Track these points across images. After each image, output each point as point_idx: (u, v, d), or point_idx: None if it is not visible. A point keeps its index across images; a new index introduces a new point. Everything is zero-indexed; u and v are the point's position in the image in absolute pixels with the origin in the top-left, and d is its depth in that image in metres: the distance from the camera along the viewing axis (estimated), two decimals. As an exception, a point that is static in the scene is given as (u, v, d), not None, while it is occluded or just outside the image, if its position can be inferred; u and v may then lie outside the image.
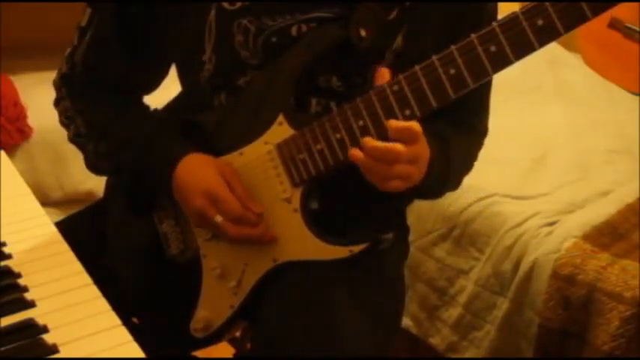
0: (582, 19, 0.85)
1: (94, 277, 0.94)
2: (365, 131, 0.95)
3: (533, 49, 0.87)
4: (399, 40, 1.02)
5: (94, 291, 0.91)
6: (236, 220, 1.00)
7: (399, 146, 0.91)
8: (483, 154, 1.20)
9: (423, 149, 0.96)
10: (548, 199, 1.81)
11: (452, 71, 0.90)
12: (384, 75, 0.95)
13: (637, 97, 2.45)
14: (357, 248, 0.99)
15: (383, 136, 0.93)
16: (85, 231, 1.19)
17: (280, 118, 1.02)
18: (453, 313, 1.81)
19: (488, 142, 1.20)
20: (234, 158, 1.05)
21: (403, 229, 1.23)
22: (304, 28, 1.01)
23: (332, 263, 1.01)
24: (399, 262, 1.20)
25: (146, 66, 1.14)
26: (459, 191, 1.22)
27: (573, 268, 1.58)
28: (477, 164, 1.20)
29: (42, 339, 0.82)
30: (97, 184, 2.00)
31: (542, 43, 0.87)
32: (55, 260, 0.98)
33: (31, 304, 0.88)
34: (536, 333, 1.61)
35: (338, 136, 0.97)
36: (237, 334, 1.38)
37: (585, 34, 2.61)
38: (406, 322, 1.88)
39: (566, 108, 2.32)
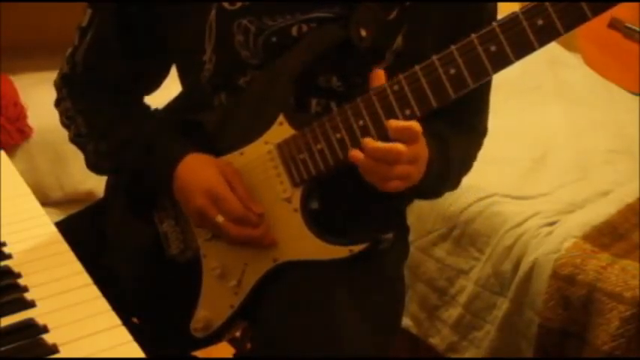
0: (582, 19, 0.85)
1: (94, 277, 0.94)
2: (365, 131, 0.95)
3: (533, 49, 0.87)
4: (399, 40, 1.02)
5: (94, 291, 0.91)
6: (237, 220, 1.00)
7: (400, 146, 0.91)
8: (483, 154, 1.20)
9: (422, 149, 0.96)
10: (548, 199, 1.81)
11: (452, 71, 0.90)
12: (379, 76, 0.95)
13: (637, 97, 2.45)
14: (357, 248, 0.99)
15: (383, 135, 0.93)
16: (85, 231, 1.19)
17: (281, 118, 1.02)
18: (453, 313, 1.81)
19: (488, 142, 1.20)
20: (234, 158, 1.05)
21: (403, 229, 1.23)
22: (304, 28, 1.01)
23: (332, 263, 1.01)
24: (399, 262, 1.20)
25: (147, 66, 1.14)
26: (458, 191, 1.22)
27: (573, 268, 1.58)
28: (477, 164, 1.20)
29: (42, 339, 0.82)
30: (97, 184, 2.01)
31: (542, 43, 0.87)
32: (55, 260, 0.98)
33: (31, 304, 0.88)
34: (536, 333, 1.61)
35: (338, 135, 0.97)
36: (237, 334, 1.38)
37: (585, 34, 2.61)
38: (406, 322, 1.88)
39: (566, 108, 2.32)
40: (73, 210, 1.27)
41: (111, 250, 1.17)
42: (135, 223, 1.16)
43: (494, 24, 0.88)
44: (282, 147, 1.01)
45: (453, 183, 1.16)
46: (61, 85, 1.14)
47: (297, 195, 1.02)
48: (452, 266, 1.82)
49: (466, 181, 1.19)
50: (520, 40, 0.87)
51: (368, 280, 1.08)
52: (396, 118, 0.93)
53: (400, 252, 1.21)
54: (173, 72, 1.16)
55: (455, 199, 1.81)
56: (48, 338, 0.82)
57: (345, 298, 1.04)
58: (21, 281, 0.92)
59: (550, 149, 2.06)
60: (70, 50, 1.12)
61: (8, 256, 0.98)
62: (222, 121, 1.07)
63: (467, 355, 1.78)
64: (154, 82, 1.18)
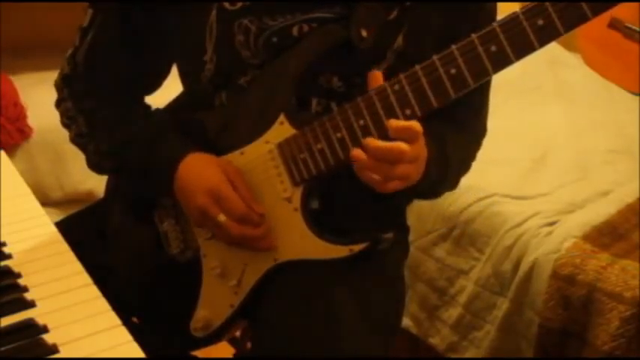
0: (582, 19, 0.85)
1: (94, 277, 0.94)
2: (366, 130, 0.95)
3: (534, 49, 0.87)
4: (399, 40, 1.02)
5: (94, 291, 0.91)
6: (239, 219, 1.00)
7: (403, 145, 0.91)
8: (483, 154, 1.20)
9: (421, 148, 0.97)
10: (548, 199, 1.81)
11: (452, 71, 0.90)
12: (377, 77, 0.95)
13: (637, 97, 2.45)
14: (357, 247, 0.99)
15: (383, 135, 0.93)
16: (85, 231, 1.19)
17: (281, 117, 1.02)
18: (453, 313, 1.81)
19: (488, 142, 1.20)
20: (235, 157, 1.05)
21: (403, 229, 1.23)
22: (305, 28, 1.01)
23: (332, 263, 1.01)
24: (399, 262, 1.20)
25: (147, 66, 1.14)
26: (458, 191, 1.22)
27: (573, 268, 1.58)
28: (477, 164, 1.20)
29: (42, 339, 0.82)
30: (97, 184, 2.01)
31: (543, 43, 0.87)
32: (55, 260, 0.98)
33: (31, 304, 0.88)
34: (536, 333, 1.61)
35: (339, 135, 0.97)
36: (237, 333, 1.38)
37: (585, 34, 2.61)
38: (406, 322, 1.88)
39: (566, 108, 2.32)
40: (73, 210, 1.27)
41: (111, 250, 1.17)
42: (135, 222, 1.16)
43: (495, 24, 0.88)
44: (283, 146, 1.01)
45: (452, 183, 1.16)
46: (61, 85, 1.14)
47: (297, 194, 1.02)
48: (452, 266, 1.82)
49: (466, 181, 1.19)
50: (520, 40, 0.87)
51: (368, 279, 1.08)
52: (397, 117, 0.93)
53: (400, 252, 1.21)
54: (174, 72, 1.16)
55: (455, 199, 1.81)
56: (48, 338, 0.82)
57: (345, 298, 1.04)
58: (21, 281, 0.92)
59: (550, 149, 2.06)
60: (70, 51, 1.12)
61: (8, 256, 0.98)
62: (223, 121, 1.07)
63: (467, 355, 1.78)
64: (155, 82, 1.18)
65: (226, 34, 1.02)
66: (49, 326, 0.84)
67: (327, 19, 1.00)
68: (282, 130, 1.02)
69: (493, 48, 0.88)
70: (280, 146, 1.02)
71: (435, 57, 0.91)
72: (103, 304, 0.88)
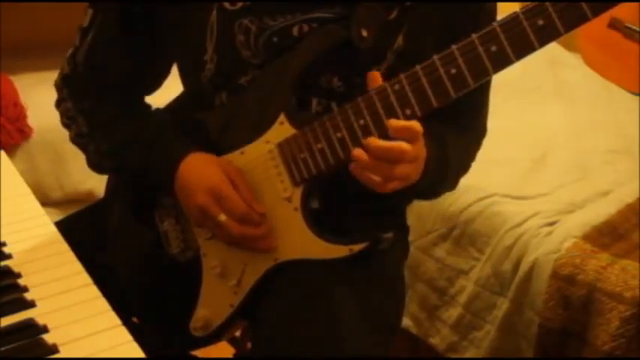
0: (582, 19, 0.85)
1: (94, 277, 0.94)
2: (366, 130, 0.95)
3: (534, 49, 0.87)
4: (399, 40, 1.02)
5: (94, 291, 0.91)
6: (240, 218, 1.00)
7: (404, 145, 0.91)
8: (483, 154, 1.20)
9: (421, 148, 0.97)
10: (548, 199, 1.81)
11: (453, 71, 0.90)
12: (376, 78, 0.95)
13: (637, 97, 2.45)
14: (357, 247, 0.99)
15: (384, 135, 0.93)
16: (85, 231, 1.19)
17: (281, 117, 1.02)
18: (453, 313, 1.81)
19: (489, 142, 1.20)
20: (235, 157, 1.05)
21: (403, 229, 1.23)
22: (305, 28, 1.01)
23: (332, 262, 1.01)
24: (399, 262, 1.20)
25: (148, 66, 1.14)
26: (458, 191, 1.22)
27: (573, 268, 1.58)
28: (477, 164, 1.20)
29: (42, 339, 0.82)
30: (97, 184, 2.01)
31: (543, 43, 0.87)
32: (55, 260, 0.98)
33: (31, 304, 0.88)
34: (536, 333, 1.61)
35: (339, 135, 0.97)
36: (237, 333, 1.38)
37: (585, 34, 2.61)
38: (406, 322, 1.88)
39: (566, 108, 2.32)
40: (73, 210, 1.27)
41: (111, 250, 1.17)
42: (135, 222, 1.16)
43: (495, 24, 0.88)
44: (283, 146, 1.01)
45: (451, 183, 1.16)
46: (61, 85, 1.14)
47: (297, 194, 1.02)
48: (452, 266, 1.82)
49: (466, 181, 1.19)
50: (520, 40, 0.87)
51: (368, 279, 1.08)
52: (397, 117, 0.93)
53: (400, 252, 1.21)
54: (174, 71, 1.16)
55: (455, 199, 1.81)
56: (48, 338, 0.82)
57: (345, 298, 1.04)
58: (21, 281, 0.92)
59: (550, 149, 2.06)
60: (71, 51, 1.12)
61: (8, 256, 0.98)
62: (223, 121, 1.07)
63: (467, 355, 1.78)
64: (155, 81, 1.18)
65: (227, 34, 1.02)
66: (49, 326, 0.84)
67: (327, 19, 1.00)
68: (282, 129, 1.02)
69: (493, 48, 0.88)
70: (280, 146, 1.02)
71: (435, 57, 0.91)
72: (103, 304, 0.88)
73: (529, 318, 1.64)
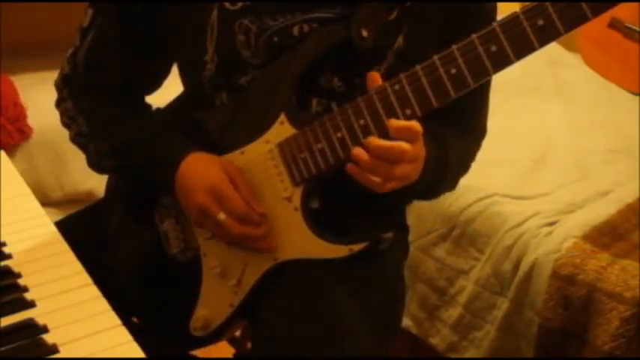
0: (582, 19, 0.85)
1: (94, 277, 0.94)
2: (366, 130, 0.95)
3: (534, 49, 0.87)
4: (400, 40, 1.02)
5: (94, 291, 0.91)
6: (240, 218, 1.00)
7: (404, 145, 0.91)
8: (483, 154, 1.20)
9: (420, 148, 0.97)
10: (548, 199, 1.81)
11: (453, 71, 0.90)
12: (375, 79, 0.95)
13: (637, 97, 2.45)
14: (356, 247, 0.99)
15: (384, 135, 0.93)
16: (85, 231, 1.19)
17: (282, 117, 1.02)
18: (453, 313, 1.81)
19: (489, 142, 1.20)
20: (235, 157, 1.05)
21: (403, 229, 1.23)
22: (306, 28, 1.01)
23: (332, 262, 1.01)
24: (399, 262, 1.20)
25: (148, 66, 1.14)
26: (458, 191, 1.22)
27: (573, 268, 1.58)
28: (477, 164, 1.20)
29: (42, 339, 0.82)
30: (97, 184, 2.01)
31: (543, 43, 0.87)
32: (55, 260, 0.98)
33: (31, 304, 0.88)
34: (536, 333, 1.61)
35: (339, 135, 0.97)
36: (237, 333, 1.38)
37: (585, 34, 2.61)
38: (406, 322, 1.88)
39: (566, 108, 2.32)
40: (73, 210, 1.27)
41: (111, 250, 1.17)
42: (135, 222, 1.16)
43: (495, 24, 0.88)
44: (283, 146, 1.01)
45: (451, 183, 1.16)
46: (61, 85, 1.14)
47: (297, 194, 1.02)
48: (452, 266, 1.82)
49: (466, 181, 1.19)
50: (520, 40, 0.87)
51: (368, 279, 1.08)
52: (397, 117, 0.93)
53: (400, 252, 1.21)
54: (174, 71, 1.16)
55: (455, 199, 1.81)
56: (48, 338, 0.82)
57: (345, 298, 1.04)
58: (21, 281, 0.92)
59: (550, 149, 2.06)
60: (71, 50, 1.12)
61: (8, 256, 0.98)
62: (224, 121, 1.07)
63: (467, 355, 1.78)
64: (155, 81, 1.18)
65: (227, 34, 1.02)
66: (49, 326, 0.84)
67: (327, 19, 1.00)
68: (282, 129, 1.02)
69: (493, 48, 0.88)
70: (280, 146, 1.02)
71: (435, 57, 0.91)
72: (103, 304, 0.88)
73: (529, 318, 1.64)
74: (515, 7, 0.88)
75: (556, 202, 1.79)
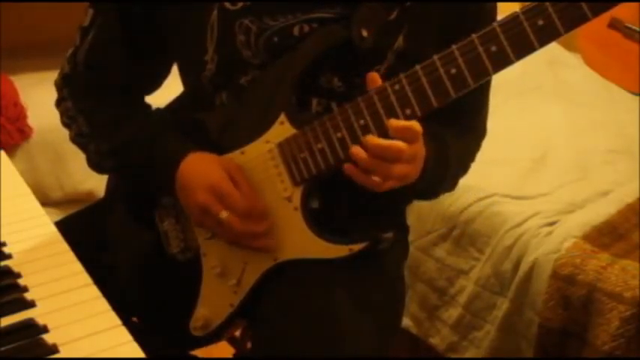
0: (582, 19, 0.85)
1: (94, 277, 0.94)
2: (366, 130, 0.95)
3: (534, 49, 0.87)
4: (400, 40, 1.02)
5: (94, 291, 0.91)
6: (242, 215, 1.00)
7: (401, 144, 0.91)
8: (483, 154, 1.20)
9: (420, 148, 0.97)
10: (548, 199, 1.81)
11: (453, 71, 0.90)
12: (374, 79, 0.95)
13: (637, 97, 2.45)
14: (357, 247, 0.99)
15: (384, 135, 0.93)
16: (85, 231, 1.19)
17: (282, 117, 1.02)
18: (453, 313, 1.81)
19: (488, 142, 1.20)
20: (235, 157, 1.05)
21: (403, 229, 1.23)
22: (306, 28, 1.01)
23: (332, 262, 1.01)
24: (399, 262, 1.20)
25: (148, 66, 1.14)
26: (458, 191, 1.22)
27: (573, 268, 1.58)
28: (476, 164, 1.20)
29: (42, 339, 0.82)
30: (97, 184, 2.01)
31: (543, 43, 0.87)
32: (55, 260, 0.98)
33: (31, 304, 0.88)
34: (536, 333, 1.61)
35: (339, 135, 0.97)
36: (237, 333, 1.38)
37: (585, 34, 2.61)
38: (406, 322, 1.88)
39: (566, 108, 2.32)
40: (73, 210, 1.27)
41: (111, 250, 1.17)
42: (135, 222, 1.16)
43: (495, 24, 0.88)
44: (283, 146, 1.01)
45: (450, 184, 1.16)
46: (61, 85, 1.14)
47: (297, 194, 1.02)
48: (452, 266, 1.82)
49: (466, 181, 1.19)
50: (520, 41, 0.87)
51: (368, 279, 1.08)
52: (397, 117, 0.93)
53: (400, 252, 1.21)
54: (174, 71, 1.16)
55: (455, 199, 1.81)
56: (48, 338, 0.82)
57: (345, 298, 1.04)
58: (21, 281, 0.92)
59: (550, 149, 2.05)
60: (71, 50, 1.12)
61: (8, 256, 0.98)
62: (224, 121, 1.07)
63: (467, 355, 1.78)
64: (155, 81, 1.18)
65: (227, 33, 1.02)
66: (49, 326, 0.84)
67: (327, 19, 1.00)
68: (282, 129, 1.02)
69: (493, 48, 0.88)
70: (280, 146, 1.02)
71: (435, 57, 0.91)
72: (103, 304, 0.88)
73: (529, 318, 1.64)
74: (515, 7, 0.88)
75: (556, 202, 1.79)
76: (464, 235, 1.80)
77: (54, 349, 0.80)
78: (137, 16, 1.07)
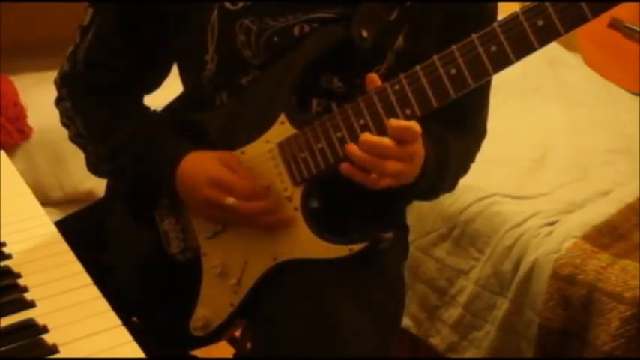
0: (582, 20, 0.85)
1: (94, 277, 0.94)
2: (366, 130, 0.95)
3: (534, 49, 0.87)
4: (400, 41, 1.02)
5: (94, 291, 0.91)
6: (247, 196, 1.00)
7: (387, 140, 0.91)
8: (483, 154, 1.20)
9: (419, 148, 0.97)
10: (548, 199, 1.81)
11: (453, 71, 0.90)
12: (374, 80, 0.95)
13: (637, 97, 2.45)
14: (356, 247, 0.99)
15: (383, 134, 0.93)
16: (85, 231, 1.19)
17: (282, 117, 1.02)
18: (453, 313, 1.81)
19: (488, 142, 1.20)
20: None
21: (403, 229, 1.23)
22: (306, 28, 1.01)
23: (332, 262, 1.01)
24: (399, 262, 1.20)
25: (148, 65, 1.14)
26: (459, 191, 1.22)
27: (573, 268, 1.58)
28: (477, 164, 1.20)
29: (42, 339, 0.82)
30: (97, 184, 2.00)
31: (543, 43, 0.87)
32: (55, 260, 0.98)
33: (31, 304, 0.88)
34: (536, 333, 1.61)
35: (339, 135, 0.97)
36: (237, 333, 1.38)
37: (585, 34, 2.61)
38: (406, 322, 1.88)
39: (566, 108, 2.32)
40: (73, 210, 1.27)
41: (111, 250, 1.17)
42: (135, 222, 1.16)
43: (495, 24, 0.88)
44: (283, 146, 1.01)
45: (450, 184, 1.16)
46: (61, 84, 1.14)
47: (297, 194, 1.02)
48: (452, 266, 1.82)
49: (466, 181, 1.19)
50: (520, 41, 0.87)
51: (368, 279, 1.08)
52: (397, 117, 0.93)
53: (400, 252, 1.21)
54: (174, 71, 1.16)
55: (455, 199, 1.81)
56: (48, 338, 0.82)
57: (345, 298, 1.04)
58: (21, 281, 0.92)
59: (550, 149, 2.06)
60: (71, 49, 1.12)
61: (8, 256, 0.98)
62: (224, 121, 1.07)
63: (467, 355, 1.78)
64: (155, 81, 1.18)
65: (227, 33, 1.02)
66: (49, 326, 0.84)
67: (328, 19, 1.00)
68: (282, 129, 1.02)
69: (493, 48, 0.88)
70: (280, 146, 1.02)
71: (435, 57, 0.91)
72: (103, 304, 0.88)
73: (529, 318, 1.64)
74: (515, 7, 0.88)
75: (556, 202, 1.79)
76: (464, 235, 1.80)
77: (54, 349, 0.80)
78: (137, 15, 1.07)
